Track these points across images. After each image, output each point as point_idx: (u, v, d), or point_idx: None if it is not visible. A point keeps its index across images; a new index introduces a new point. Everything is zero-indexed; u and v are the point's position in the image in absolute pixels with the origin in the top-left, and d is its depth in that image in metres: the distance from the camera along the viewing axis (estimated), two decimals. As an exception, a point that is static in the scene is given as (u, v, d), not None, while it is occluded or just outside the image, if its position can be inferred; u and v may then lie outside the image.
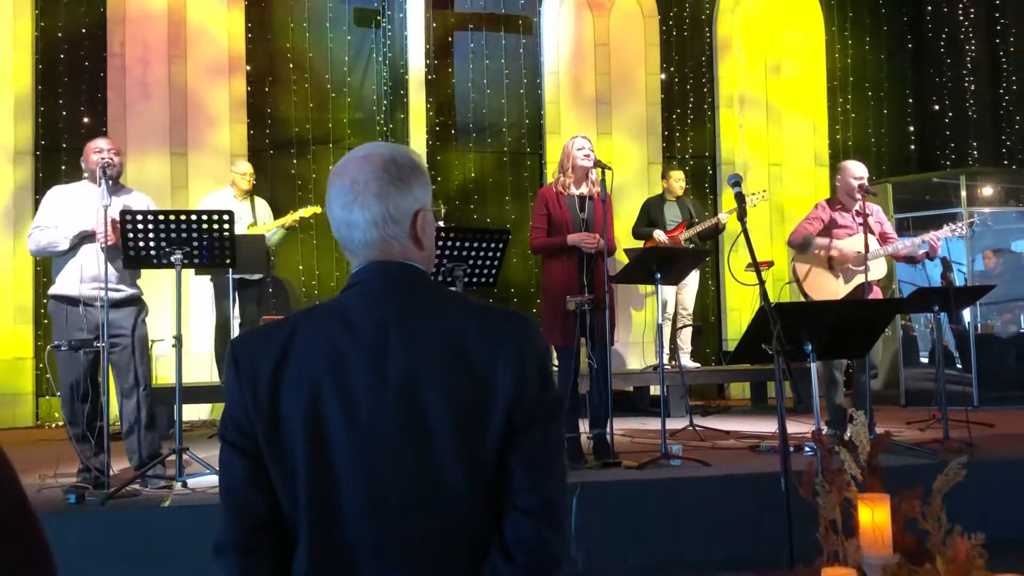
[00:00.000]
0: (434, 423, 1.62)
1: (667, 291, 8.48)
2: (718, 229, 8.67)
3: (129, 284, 5.21)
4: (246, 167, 8.09)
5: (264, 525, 1.66)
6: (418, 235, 1.75)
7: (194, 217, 4.94)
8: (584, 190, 5.69)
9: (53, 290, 5.09)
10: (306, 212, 7.98)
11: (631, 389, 9.06)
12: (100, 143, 5.15)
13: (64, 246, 5.00)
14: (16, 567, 1.01)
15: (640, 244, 8.60)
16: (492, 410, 1.64)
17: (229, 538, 1.67)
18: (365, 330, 1.65)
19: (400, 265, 1.73)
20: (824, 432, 5.91)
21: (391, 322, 1.66)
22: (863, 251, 5.95)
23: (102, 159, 4.99)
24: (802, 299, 6.53)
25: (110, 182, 4.88)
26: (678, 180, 8.86)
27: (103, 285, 4.85)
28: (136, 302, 5.24)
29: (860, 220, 6.09)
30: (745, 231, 3.52)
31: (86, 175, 5.20)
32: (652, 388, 8.86)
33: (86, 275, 4.87)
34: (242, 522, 1.66)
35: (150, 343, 5.15)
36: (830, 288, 6.29)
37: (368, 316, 1.67)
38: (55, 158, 8.83)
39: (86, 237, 4.97)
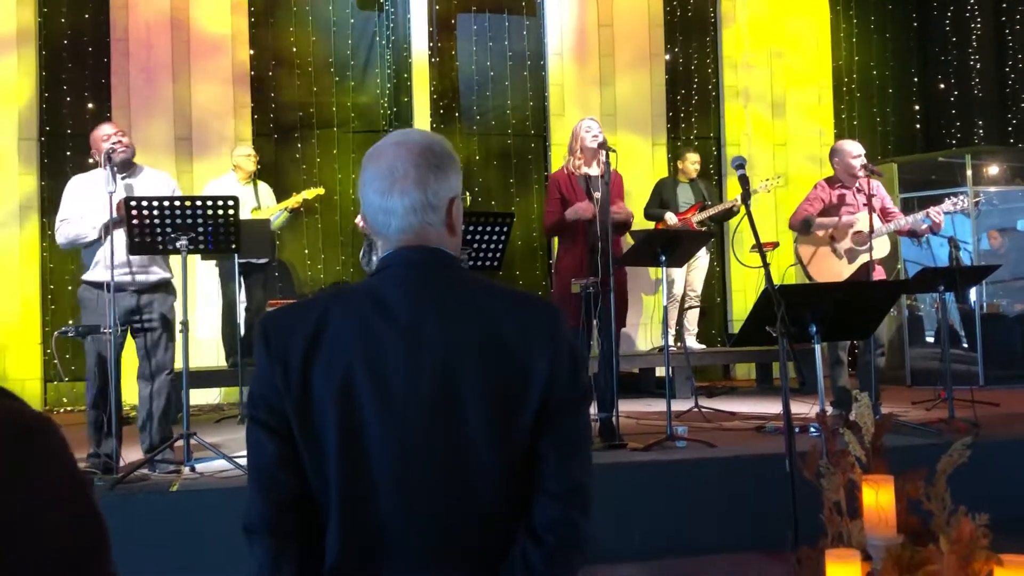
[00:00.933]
0: (468, 406, 1.63)
1: (676, 272, 8.48)
2: (732, 212, 8.66)
3: (161, 267, 5.23)
4: (249, 149, 8.12)
5: (294, 505, 1.66)
6: (452, 222, 1.76)
7: (199, 203, 4.95)
8: (595, 170, 5.71)
9: (88, 276, 5.13)
10: (309, 194, 8.00)
11: (636, 371, 9.07)
12: (106, 128, 5.16)
13: (93, 236, 5.02)
14: (72, 534, 1.04)
15: (651, 225, 8.60)
16: (527, 394, 1.66)
17: (260, 518, 1.67)
18: (400, 313, 1.66)
19: (433, 250, 1.74)
20: (829, 413, 5.93)
21: (426, 306, 1.67)
22: (864, 230, 5.94)
23: (110, 145, 5.00)
24: (807, 281, 6.52)
25: (115, 168, 4.90)
26: (694, 163, 8.86)
27: (136, 269, 4.96)
28: (167, 286, 5.27)
29: (864, 199, 6.08)
30: (749, 214, 3.53)
31: (92, 161, 5.22)
32: (658, 370, 8.87)
33: (116, 260, 4.88)
34: (273, 502, 1.67)
35: (177, 327, 5.17)
36: (834, 269, 6.29)
37: (402, 299, 1.67)
38: (60, 144, 8.84)
39: (111, 225, 4.98)
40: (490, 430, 1.64)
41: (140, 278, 5.06)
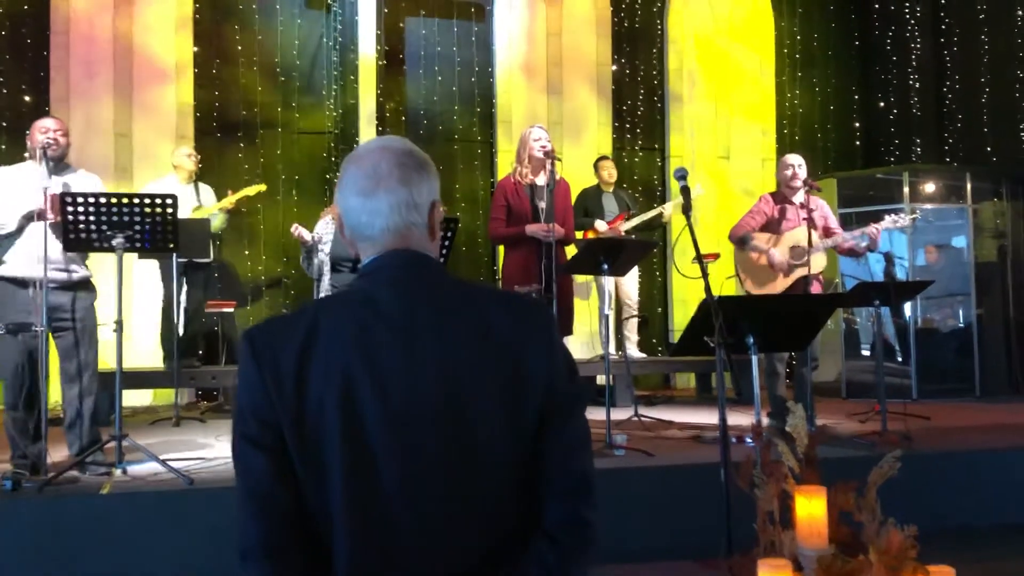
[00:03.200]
0: (473, 407, 1.62)
1: (606, 282, 8.52)
2: (660, 221, 8.73)
3: (79, 265, 5.10)
4: (189, 149, 8.02)
5: (293, 522, 1.60)
6: (433, 225, 1.76)
7: (136, 200, 4.86)
8: (541, 180, 5.74)
9: (1, 271, 4.95)
10: (251, 191, 7.90)
11: (578, 379, 9.08)
12: (47, 122, 5.03)
13: (10, 227, 4.88)
14: None
15: (578, 235, 8.62)
16: (528, 398, 1.66)
17: (257, 540, 1.60)
18: (395, 316, 1.64)
19: (420, 254, 1.73)
20: (766, 424, 6.00)
21: (421, 310, 1.65)
22: (802, 244, 6.03)
23: (46, 139, 4.89)
24: (744, 293, 6.60)
25: (51, 163, 4.80)
26: (606, 168, 8.88)
27: (54, 266, 4.80)
28: (85, 285, 5.14)
29: (804, 214, 6.18)
30: (690, 225, 3.55)
31: (28, 154, 5.09)
32: (599, 378, 8.90)
33: (36, 256, 4.75)
34: (270, 522, 1.60)
35: (112, 327, 5.05)
36: (770, 285, 6.37)
37: (396, 302, 1.65)
38: (-5, 137, 8.65)
39: (31, 217, 4.85)
40: (494, 430, 1.63)
41: (60, 276, 4.93)
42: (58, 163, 5.00)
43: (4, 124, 8.66)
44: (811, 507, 2.74)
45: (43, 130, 4.97)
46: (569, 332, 5.78)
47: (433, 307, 1.66)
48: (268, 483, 1.60)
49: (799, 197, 6.32)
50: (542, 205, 5.65)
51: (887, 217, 6.43)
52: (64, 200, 4.69)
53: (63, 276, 4.97)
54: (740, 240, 6.44)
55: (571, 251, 6.23)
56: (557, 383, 1.69)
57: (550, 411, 1.68)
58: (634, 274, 8.94)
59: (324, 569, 1.61)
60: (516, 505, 1.67)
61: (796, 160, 6.38)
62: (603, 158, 9.15)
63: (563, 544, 1.66)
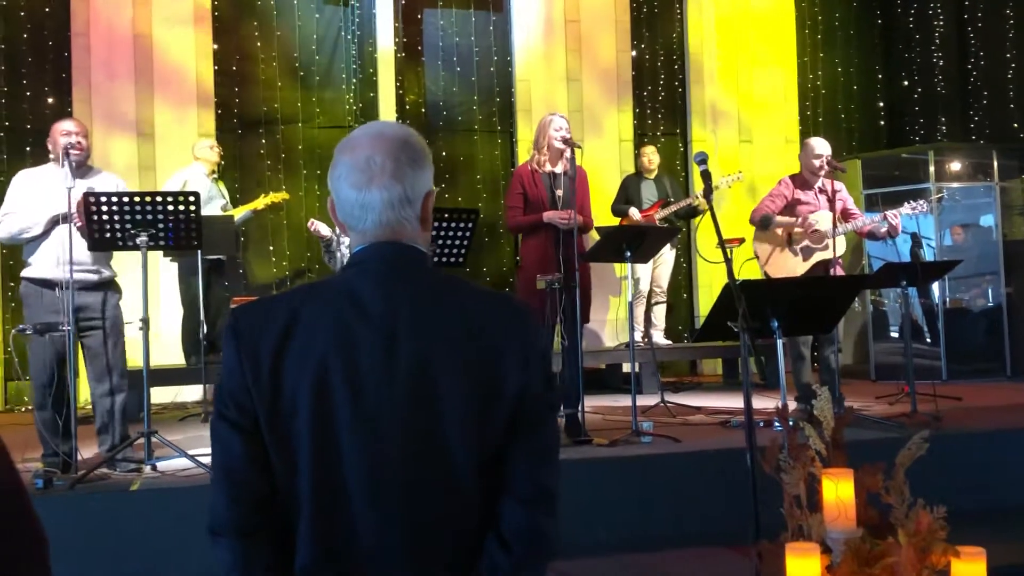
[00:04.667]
0: (443, 405, 1.61)
1: (642, 269, 8.49)
2: (696, 210, 8.68)
3: (105, 266, 5.15)
4: (211, 141, 8.06)
5: (264, 506, 1.63)
6: (427, 216, 1.74)
7: (159, 198, 4.89)
8: (559, 168, 5.71)
9: (28, 272, 5.02)
10: (276, 198, 7.94)
11: (603, 367, 9.08)
12: (67, 125, 5.07)
13: (38, 231, 4.93)
14: (11, 557, 1.02)
15: (618, 221, 8.61)
16: (500, 399, 1.65)
17: (228, 519, 1.63)
18: (374, 309, 1.63)
19: (408, 247, 1.71)
20: (792, 408, 5.97)
21: (401, 303, 1.64)
22: (821, 228, 5.99)
23: (69, 142, 4.92)
24: (763, 277, 6.56)
25: (74, 164, 4.83)
26: (647, 155, 8.87)
27: (81, 267, 4.85)
28: (111, 284, 5.19)
29: (826, 198, 6.14)
30: (711, 209, 3.52)
31: (52, 157, 5.12)
32: (624, 365, 8.88)
33: (63, 258, 4.79)
34: (242, 502, 1.63)
35: (138, 325, 5.11)
36: (788, 266, 6.35)
37: (377, 296, 1.64)
38: (20, 139, 8.71)
39: (59, 220, 4.89)
40: (465, 430, 1.62)
41: (90, 277, 4.99)
42: (80, 166, 5.04)
43: (28, 126, 8.73)
44: (839, 490, 2.72)
45: (64, 132, 5.00)
46: (586, 320, 5.75)
47: (414, 305, 1.65)
48: (242, 465, 1.63)
49: (819, 181, 6.28)
50: (559, 193, 5.63)
51: (906, 204, 6.38)
52: (88, 200, 4.73)
53: (93, 277, 5.03)
54: (763, 221, 6.39)
55: (590, 238, 6.20)
56: (530, 391, 1.67)
57: (520, 418, 1.66)
58: (670, 261, 8.91)
59: (290, 552, 1.64)
60: (481, 510, 1.66)
61: (825, 149, 6.29)
62: (644, 144, 9.13)
63: (516, 552, 1.64)
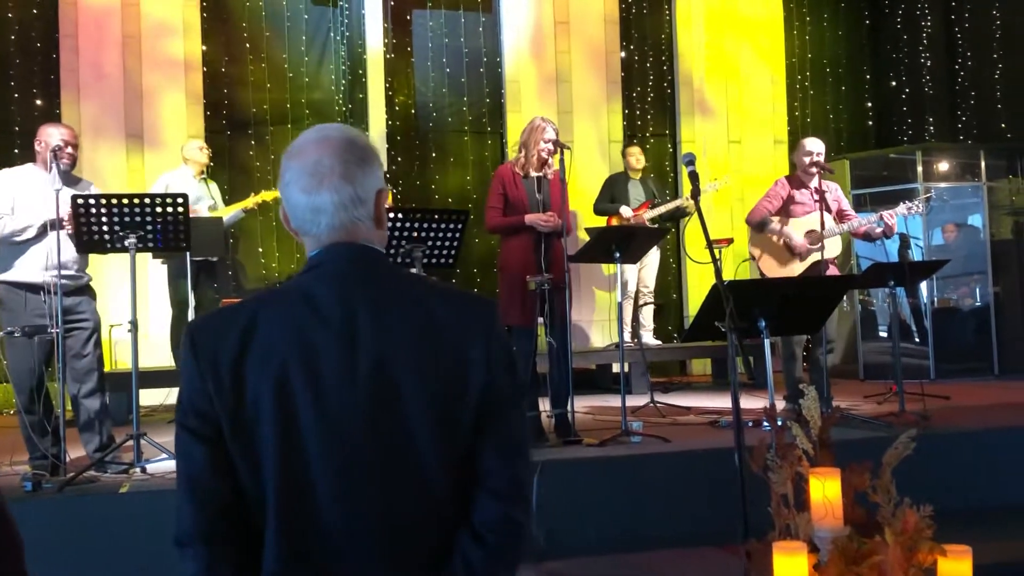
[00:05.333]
0: (406, 403, 1.61)
1: (628, 270, 8.51)
2: (683, 211, 8.71)
3: (84, 270, 5.18)
4: (200, 142, 8.05)
5: (229, 514, 1.63)
6: (380, 215, 1.74)
7: (147, 200, 4.89)
8: (541, 172, 5.70)
9: (9, 276, 4.98)
10: (267, 196, 7.93)
11: (593, 367, 9.10)
12: (63, 133, 5.03)
13: (32, 234, 4.91)
14: None
15: (602, 221, 8.61)
16: (464, 395, 1.65)
17: (193, 528, 1.63)
18: (332, 312, 1.63)
19: (363, 247, 1.71)
20: (782, 407, 5.99)
21: (359, 304, 1.64)
22: (818, 229, 6.01)
23: (60, 149, 4.90)
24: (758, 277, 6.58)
25: (62, 168, 4.81)
26: (633, 155, 8.89)
27: (68, 271, 4.88)
28: (89, 289, 5.22)
29: (817, 198, 6.16)
30: (699, 210, 3.53)
31: (38, 152, 5.09)
32: (614, 366, 8.90)
33: (52, 262, 4.79)
34: (206, 511, 1.62)
35: (126, 327, 5.12)
36: (785, 267, 6.36)
37: (334, 298, 1.64)
38: (7, 141, 8.66)
39: (54, 224, 4.88)
40: (430, 427, 1.62)
41: (71, 281, 4.99)
42: (67, 175, 5.02)
43: (16, 128, 8.70)
44: (825, 489, 2.74)
45: (57, 139, 4.98)
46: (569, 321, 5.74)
47: (372, 304, 1.65)
48: (205, 474, 1.63)
49: (815, 181, 6.30)
50: (539, 197, 5.63)
51: (902, 204, 6.40)
52: (76, 203, 4.72)
53: (80, 282, 5.05)
54: (758, 224, 6.42)
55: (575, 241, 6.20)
56: (494, 381, 1.67)
57: (487, 409, 1.66)
58: (655, 262, 8.93)
59: (257, 559, 1.63)
60: (450, 504, 1.66)
61: (815, 146, 6.32)
62: (631, 145, 9.14)
63: (490, 544, 1.64)
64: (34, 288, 4.90)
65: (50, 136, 5.00)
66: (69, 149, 4.99)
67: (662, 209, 8.56)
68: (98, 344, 5.17)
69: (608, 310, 9.55)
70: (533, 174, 5.68)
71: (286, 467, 1.60)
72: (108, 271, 7.79)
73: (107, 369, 5.47)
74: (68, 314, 4.95)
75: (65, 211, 4.80)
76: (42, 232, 4.90)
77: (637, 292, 8.92)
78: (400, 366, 1.62)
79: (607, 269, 9.43)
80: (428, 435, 1.62)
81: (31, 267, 4.93)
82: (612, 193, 8.74)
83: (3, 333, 4.93)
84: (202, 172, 7.89)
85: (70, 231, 4.83)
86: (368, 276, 1.69)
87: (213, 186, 8.04)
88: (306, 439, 1.60)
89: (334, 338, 1.62)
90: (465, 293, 1.78)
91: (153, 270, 8.16)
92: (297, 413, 1.59)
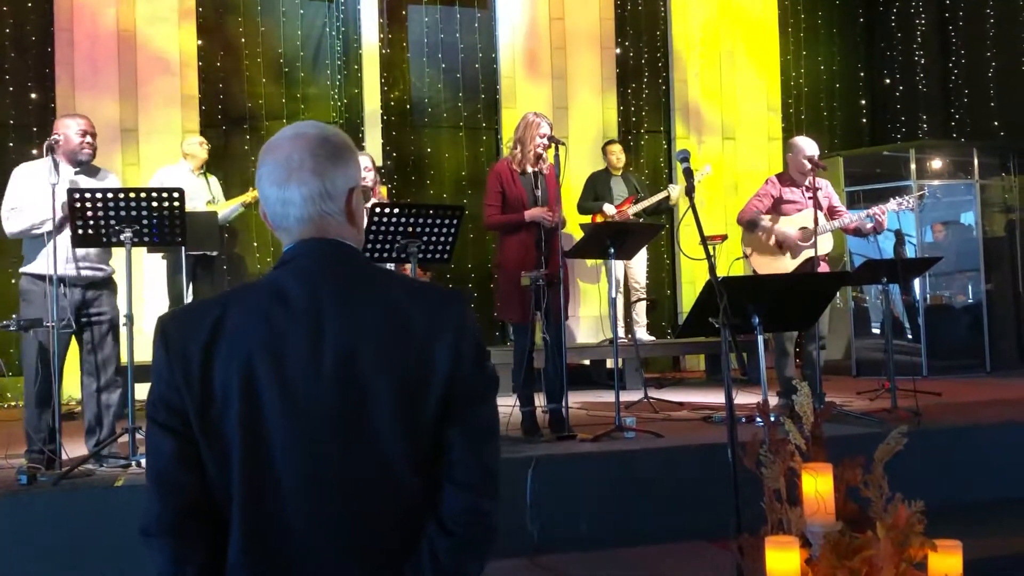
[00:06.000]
0: (372, 397, 1.62)
1: (616, 265, 8.53)
2: (668, 203, 8.74)
3: (106, 264, 5.19)
4: (199, 138, 8.04)
5: (195, 506, 1.64)
6: (352, 212, 1.75)
7: (143, 194, 4.88)
8: (537, 167, 5.71)
9: (31, 268, 5.01)
10: None
11: (587, 363, 9.12)
12: (79, 123, 5.08)
13: (50, 227, 4.90)
14: None
15: (586, 219, 8.63)
16: (431, 386, 1.65)
17: (160, 520, 1.64)
18: (300, 306, 1.64)
19: (335, 243, 1.72)
20: (775, 403, 6.01)
21: (327, 298, 1.65)
22: (809, 226, 6.03)
23: (83, 142, 5.00)
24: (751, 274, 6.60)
25: (57, 161, 4.81)
26: (614, 152, 8.90)
27: (90, 265, 4.94)
28: (110, 283, 5.23)
29: (809, 195, 6.17)
30: (693, 207, 3.55)
31: (49, 149, 5.09)
32: (608, 361, 8.92)
33: (71, 255, 4.80)
34: (173, 503, 1.64)
35: (122, 321, 5.13)
36: (777, 264, 6.38)
37: (303, 292, 1.66)
38: (2, 134, 8.66)
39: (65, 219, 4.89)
40: (396, 420, 1.63)
41: (89, 273, 5.01)
42: (86, 165, 5.06)
43: (11, 121, 8.69)
44: (818, 484, 2.76)
45: (82, 133, 5.04)
46: (566, 316, 5.75)
47: (340, 299, 1.66)
48: (172, 466, 1.64)
49: (809, 177, 6.30)
50: (538, 193, 5.64)
51: (892, 200, 6.41)
52: (72, 197, 4.72)
53: (100, 274, 5.07)
54: (749, 223, 6.44)
55: (567, 235, 6.21)
56: (462, 372, 1.67)
57: (454, 400, 1.67)
58: (642, 258, 8.95)
59: (224, 552, 1.65)
60: (417, 497, 1.67)
61: (809, 147, 6.28)
62: (611, 142, 9.15)
63: (458, 536, 1.65)
64: (49, 280, 4.90)
65: (68, 128, 5.03)
66: (88, 139, 5.05)
67: (646, 203, 8.58)
68: (116, 338, 5.18)
69: (598, 305, 9.54)
70: (529, 170, 5.69)
71: (251, 460, 1.61)
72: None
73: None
74: (87, 307, 5.00)
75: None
76: (61, 226, 4.90)
77: (628, 288, 8.94)
78: (366, 360, 1.63)
79: (590, 262, 9.43)
80: (393, 428, 1.63)
81: (47, 259, 4.93)
82: (595, 191, 8.74)
83: (8, 325, 4.91)
84: (201, 167, 7.89)
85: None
86: (337, 271, 1.70)
87: (213, 180, 8.04)
88: (271, 432, 1.61)
89: (301, 332, 1.63)
90: (434, 286, 1.80)
91: (148, 264, 8.15)
92: (263, 406, 1.61)
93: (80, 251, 4.90)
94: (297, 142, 1.71)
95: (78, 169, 5.10)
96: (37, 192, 4.95)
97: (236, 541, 1.63)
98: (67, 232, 4.85)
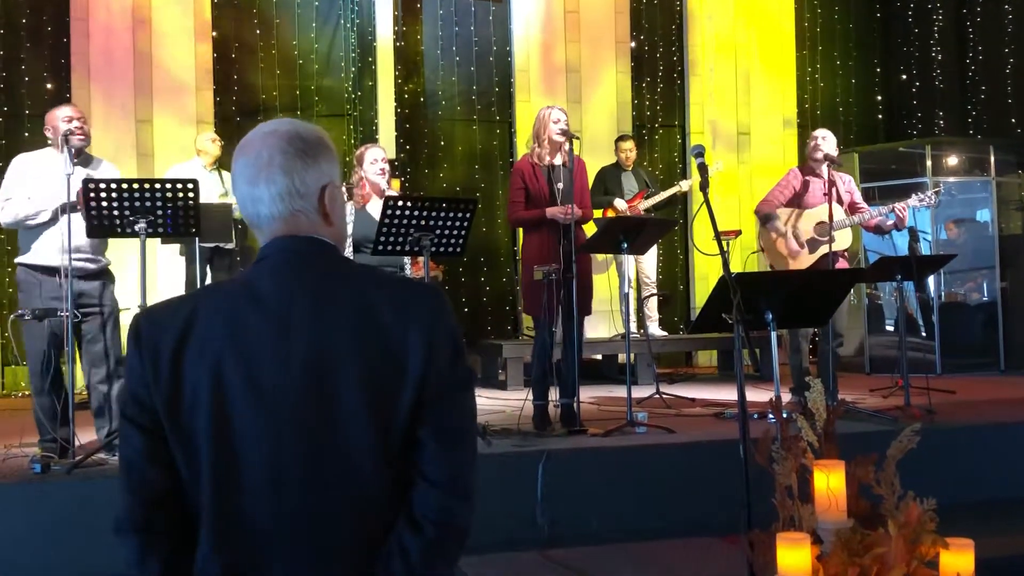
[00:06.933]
0: (342, 397, 1.61)
1: (626, 260, 8.51)
2: (677, 198, 8.73)
3: (103, 255, 5.18)
4: (212, 134, 8.07)
5: (164, 502, 1.64)
6: (326, 210, 1.74)
7: (158, 185, 4.89)
8: (558, 160, 5.72)
9: (26, 258, 5.01)
10: None
11: (600, 357, 9.11)
12: (67, 110, 5.04)
13: (45, 217, 4.92)
14: None
15: (598, 213, 8.61)
16: (402, 385, 1.64)
17: (128, 516, 1.65)
18: (271, 303, 1.64)
19: (307, 239, 1.71)
20: (788, 399, 6.00)
21: (298, 296, 1.65)
22: (826, 220, 6.01)
23: (69, 128, 4.91)
24: (767, 269, 6.58)
25: (74, 151, 4.82)
26: (624, 150, 8.87)
27: (82, 255, 4.90)
28: (108, 273, 5.22)
29: (825, 190, 6.15)
30: (707, 202, 3.53)
31: (50, 143, 5.11)
32: (620, 356, 8.91)
33: (67, 245, 4.81)
34: (142, 499, 1.64)
35: (119, 312, 5.14)
36: (795, 260, 6.35)
37: (274, 290, 1.65)
38: (18, 125, 8.71)
39: (68, 208, 4.90)
40: (366, 418, 1.62)
41: (90, 265, 5.02)
42: (81, 152, 5.04)
43: (27, 111, 8.73)
44: (830, 481, 2.75)
45: (65, 119, 4.98)
46: (588, 312, 5.77)
47: (311, 295, 1.66)
48: (142, 463, 1.65)
49: (826, 171, 6.27)
50: (560, 186, 5.64)
51: (913, 195, 6.37)
52: (87, 187, 4.73)
53: (93, 266, 5.06)
54: (765, 218, 6.42)
55: (589, 229, 6.21)
56: (434, 369, 1.66)
57: (427, 400, 1.65)
58: (653, 252, 8.92)
59: (194, 549, 1.65)
60: (387, 495, 1.66)
61: (821, 133, 6.36)
62: (623, 137, 9.12)
63: (427, 535, 1.64)
64: (50, 271, 4.91)
65: (56, 119, 5.00)
66: (76, 124, 4.97)
67: (657, 198, 8.58)
68: (115, 330, 5.17)
69: (611, 300, 9.51)
70: (549, 161, 5.70)
71: (219, 456, 1.61)
72: (116, 256, 7.81)
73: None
74: (83, 298, 4.96)
75: (75, 193, 4.81)
76: (56, 216, 4.92)
77: (639, 283, 8.93)
78: (336, 356, 1.62)
79: (600, 257, 9.41)
80: (364, 426, 1.62)
81: (47, 250, 4.94)
82: (605, 186, 8.73)
83: (14, 316, 4.95)
84: (214, 163, 7.91)
85: (84, 214, 4.84)
86: (310, 268, 1.70)
87: (227, 175, 8.06)
88: (239, 429, 1.61)
89: (270, 327, 1.63)
90: (409, 281, 1.79)
91: (162, 255, 8.18)
92: (231, 403, 1.61)
93: (77, 243, 4.86)
94: (268, 139, 1.71)
95: (76, 160, 5.04)
96: (34, 182, 4.96)
97: (206, 538, 1.63)
98: (61, 223, 4.84)
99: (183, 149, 8.40)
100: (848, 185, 6.44)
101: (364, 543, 1.65)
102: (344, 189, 5.42)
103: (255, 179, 1.70)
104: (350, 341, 1.63)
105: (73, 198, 4.79)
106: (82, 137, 4.97)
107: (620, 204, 8.49)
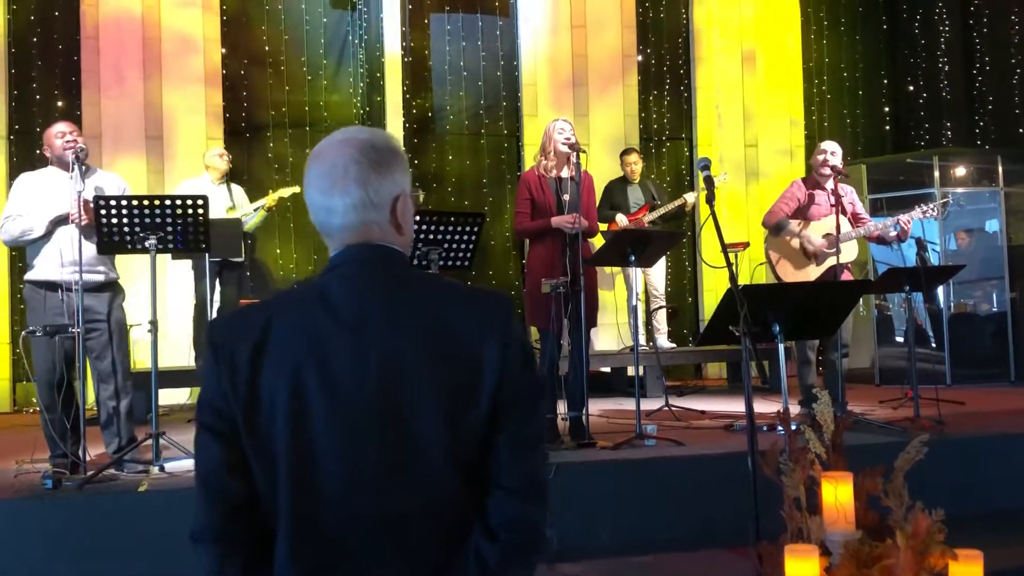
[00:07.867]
0: (417, 405, 1.61)
1: (633, 276, 8.51)
2: (684, 210, 8.74)
3: (108, 268, 5.19)
4: (221, 150, 8.12)
5: (242, 511, 1.64)
6: (398, 220, 1.74)
7: (168, 202, 4.93)
8: (565, 172, 5.73)
9: (31, 275, 5.04)
10: (284, 192, 7.99)
11: (609, 370, 9.11)
12: (60, 127, 5.10)
13: (39, 232, 4.96)
14: None
15: (603, 227, 8.62)
16: (477, 392, 1.64)
17: (207, 525, 1.65)
18: (345, 312, 1.64)
19: (378, 247, 1.71)
20: (797, 412, 5.99)
21: (372, 304, 1.65)
22: (833, 233, 6.01)
23: (66, 142, 4.97)
24: (775, 281, 6.58)
25: (82, 166, 4.86)
26: (629, 164, 8.89)
27: (88, 269, 4.87)
28: (114, 286, 5.23)
29: (832, 201, 6.15)
30: (714, 215, 3.54)
31: (52, 162, 5.16)
32: (629, 369, 8.91)
33: (66, 259, 4.83)
34: (220, 508, 1.64)
35: (128, 327, 5.15)
36: (803, 272, 6.35)
37: (348, 298, 1.66)
38: (29, 142, 8.76)
39: (61, 221, 4.94)
40: (441, 427, 1.62)
41: (95, 278, 5.01)
42: (81, 164, 5.08)
43: (38, 129, 8.77)
44: (838, 493, 2.76)
45: (59, 135, 5.04)
46: (593, 324, 5.78)
47: (385, 304, 1.66)
48: (220, 471, 1.65)
49: (831, 183, 6.28)
50: (566, 198, 5.65)
51: (917, 208, 6.37)
52: (98, 203, 4.77)
53: (98, 278, 5.06)
54: (775, 227, 6.42)
55: (596, 242, 6.22)
56: (509, 379, 1.66)
57: (501, 407, 1.65)
58: (661, 265, 8.93)
59: (271, 557, 1.65)
60: (463, 504, 1.66)
61: (829, 147, 6.35)
62: (627, 151, 9.14)
63: (504, 543, 1.64)
64: (52, 286, 4.94)
65: (55, 137, 5.06)
66: (68, 138, 5.01)
67: (662, 211, 8.58)
68: (123, 345, 5.18)
69: (617, 313, 9.53)
70: (556, 174, 5.72)
71: (297, 466, 1.61)
72: (125, 270, 7.85)
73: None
74: (88, 313, 4.94)
75: (74, 206, 4.82)
76: (52, 229, 4.94)
77: (648, 296, 8.93)
78: (410, 362, 1.62)
79: (609, 270, 9.43)
80: (437, 434, 1.62)
81: (47, 265, 4.97)
82: (611, 200, 8.73)
83: (25, 332, 4.98)
84: (222, 178, 7.96)
85: (78, 224, 4.85)
86: (382, 276, 1.70)
87: (237, 189, 8.11)
88: (317, 438, 1.61)
89: (346, 336, 1.63)
90: (480, 291, 1.78)
91: (173, 269, 8.22)
92: (310, 412, 1.61)
93: (73, 256, 4.86)
94: (344, 148, 1.71)
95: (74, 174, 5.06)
96: (33, 199, 5.00)
97: (283, 547, 1.63)
98: (61, 236, 4.88)
99: (194, 165, 8.45)
100: (850, 196, 6.45)
101: (439, 548, 1.65)
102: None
103: (329, 190, 1.69)
104: (424, 348, 1.63)
105: (73, 211, 4.82)
106: (72, 148, 4.96)
107: (621, 220, 8.49)
